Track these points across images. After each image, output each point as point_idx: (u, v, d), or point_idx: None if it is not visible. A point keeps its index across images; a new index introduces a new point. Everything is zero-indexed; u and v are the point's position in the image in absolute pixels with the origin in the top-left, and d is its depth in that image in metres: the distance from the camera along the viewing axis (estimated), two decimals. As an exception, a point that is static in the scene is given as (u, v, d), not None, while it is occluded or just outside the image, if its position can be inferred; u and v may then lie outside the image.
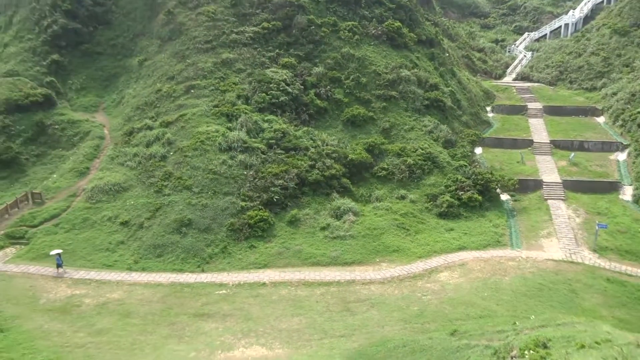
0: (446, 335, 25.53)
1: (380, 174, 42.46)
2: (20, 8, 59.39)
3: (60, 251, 34.28)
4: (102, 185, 40.52)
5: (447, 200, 40.08)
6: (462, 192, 40.73)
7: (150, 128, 44.97)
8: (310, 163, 41.18)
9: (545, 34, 79.23)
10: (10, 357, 24.51)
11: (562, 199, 42.00)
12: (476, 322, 27.13)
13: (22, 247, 36.82)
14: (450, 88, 53.80)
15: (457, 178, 42.16)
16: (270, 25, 51.41)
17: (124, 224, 37.52)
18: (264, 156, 41.42)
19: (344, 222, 37.29)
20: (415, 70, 51.41)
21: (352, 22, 52.70)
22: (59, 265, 33.55)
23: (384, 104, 47.95)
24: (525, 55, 74.61)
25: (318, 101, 46.67)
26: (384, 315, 28.44)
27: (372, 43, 52.31)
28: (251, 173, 39.92)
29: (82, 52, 56.19)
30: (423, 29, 58.38)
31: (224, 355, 25.30)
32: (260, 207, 37.64)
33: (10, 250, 36.61)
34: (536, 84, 66.45)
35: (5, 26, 59.92)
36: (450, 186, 41.60)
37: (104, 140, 47.54)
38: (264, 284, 31.89)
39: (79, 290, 31.53)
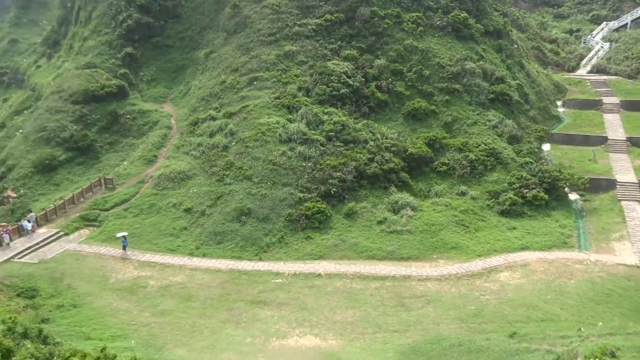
0: (504, 337, 24.84)
1: (441, 169, 41.63)
2: (99, 4, 62.64)
3: (125, 234, 36.19)
4: (168, 173, 42.24)
5: (510, 197, 38.73)
6: (527, 190, 39.22)
7: (214, 119, 46.32)
8: (369, 156, 41.02)
9: (626, 24, 74.46)
10: (82, 331, 26.17)
11: (637, 201, 39.54)
12: (537, 326, 26.17)
13: (95, 229, 39.07)
14: (517, 81, 51.77)
15: (521, 175, 40.63)
16: (333, 17, 51.42)
17: (188, 210, 38.99)
18: (322, 148, 41.67)
19: (402, 217, 36.93)
20: (481, 62, 49.85)
21: (416, 13, 51.72)
22: (124, 247, 35.48)
23: (447, 97, 46.87)
24: (602, 46, 70.49)
25: (379, 94, 46.30)
26: (439, 313, 27.99)
27: (436, 35, 51.17)
28: (310, 165, 40.30)
29: (153, 45, 58.62)
30: (491, 19, 56.44)
31: (278, 342, 25.80)
32: (317, 198, 37.97)
33: (85, 232, 38.97)
34: (613, 76, 62.64)
35: (85, 21, 63.47)
36: (514, 183, 40.16)
37: (171, 130, 49.49)
38: (319, 275, 32.21)
39: (144, 272, 33.13)
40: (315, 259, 34.22)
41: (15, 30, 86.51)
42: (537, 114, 51.22)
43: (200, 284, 31.64)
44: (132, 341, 25.01)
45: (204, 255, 35.20)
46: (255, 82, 47.91)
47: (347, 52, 49.19)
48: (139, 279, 32.32)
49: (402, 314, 28.07)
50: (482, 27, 53.78)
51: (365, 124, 44.13)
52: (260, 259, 34.45)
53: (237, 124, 44.53)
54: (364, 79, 47.21)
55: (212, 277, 32.44)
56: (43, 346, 18.50)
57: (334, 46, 50.13)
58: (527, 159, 42.62)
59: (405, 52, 49.11)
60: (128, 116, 51.33)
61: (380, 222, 36.85)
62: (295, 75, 47.64)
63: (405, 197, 38.55)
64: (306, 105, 44.56)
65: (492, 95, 47.85)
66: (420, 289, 30.43)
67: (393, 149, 41.85)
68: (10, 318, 22.88)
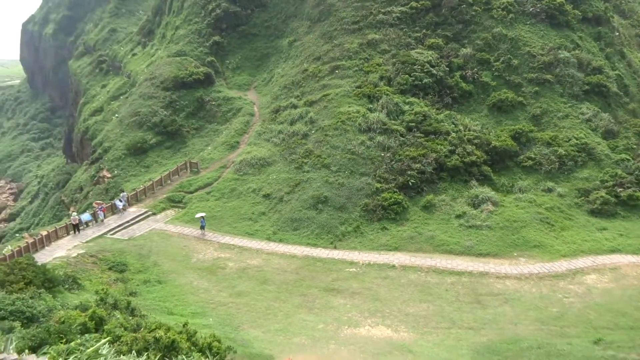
0: (588, 343, 23.38)
1: (526, 163, 39.66)
2: (190, -7, 65.40)
3: (204, 214, 37.78)
4: (249, 159, 43.53)
5: (601, 196, 36.20)
6: (621, 189, 36.46)
7: (295, 107, 47.02)
8: (449, 148, 39.90)
9: None
10: (165, 306, 27.71)
11: None
12: (626, 333, 24.38)
13: (180, 210, 41.15)
14: (617, 72, 47.97)
15: (616, 173, 37.82)
16: (418, 5, 50.25)
17: (266, 196, 40.02)
18: (402, 139, 41.05)
19: (482, 212, 35.67)
20: (576, 51, 46.68)
21: (507, 0, 49.28)
22: (202, 227, 37.11)
23: (536, 88, 44.41)
24: None
25: (463, 84, 44.79)
26: (518, 313, 26.82)
27: (527, 22, 48.51)
28: (388, 155, 39.88)
29: (240, 34, 60.34)
30: (590, 4, 52.55)
31: (350, 331, 25.92)
32: (395, 189, 37.55)
33: (170, 212, 41.16)
34: None
35: (177, 10, 66.51)
36: (607, 181, 37.48)
37: (253, 117, 50.86)
38: (393, 266, 31.93)
39: (224, 254, 34.48)
40: (390, 250, 33.95)
41: (114, 20, 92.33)
42: (637, 107, 47.30)
43: (275, 269, 32.43)
44: (211, 319, 26.14)
45: (280, 241, 36.01)
46: (336, 71, 48.00)
47: (432, 40, 47.93)
48: (218, 260, 33.68)
49: (478, 311, 27.20)
50: (579, 14, 50.27)
51: (447, 115, 42.93)
52: (335, 247, 34.70)
53: (317, 113, 44.93)
54: (448, 69, 45.85)
55: (288, 263, 33.13)
56: (131, 317, 19.78)
57: (419, 34, 49.04)
58: (624, 156, 39.58)
59: (494, 41, 47.04)
60: (213, 103, 53.36)
61: (458, 216, 35.84)
62: (377, 64, 47.18)
63: (486, 191, 37.17)
64: (387, 94, 44.04)
65: (587, 87, 44.76)
66: (498, 287, 29.30)
67: (476, 141, 40.41)
68: (102, 290, 24.70)
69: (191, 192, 42.81)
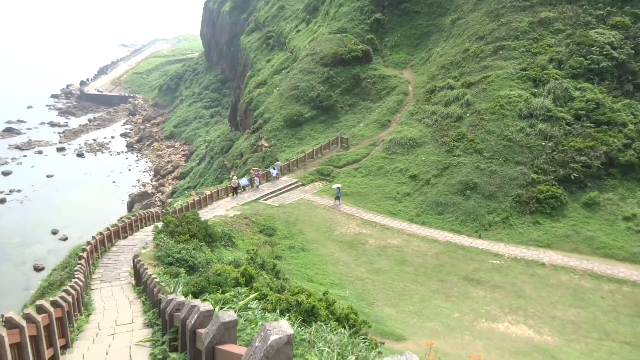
0: None
1: None
2: (355, -30, 65.97)
3: (340, 185, 38.96)
4: (399, 138, 43.32)
5: None
6: None
7: (451, 88, 45.45)
8: (624, 142, 35.47)
9: None
10: (306, 273, 29.22)
11: None
12: None
13: (327, 183, 42.65)
14: None
15: None
16: (603, -21, 44.85)
17: (413, 177, 39.62)
18: (568, 128, 37.52)
19: (658, 217, 31.38)
20: None
21: None
22: (337, 198, 38.17)
23: None
24: None
25: (650, 70, 39.28)
26: (691, 337, 23.40)
27: None
28: (550, 145, 36.79)
29: (401, 11, 59.61)
30: None
31: (487, 324, 24.91)
32: (553, 182, 34.64)
33: (318, 184, 42.88)
34: None
35: (342, -13, 67.67)
36: None
37: (407, 96, 50.32)
38: (542, 264, 29.73)
39: (365, 230, 35.11)
40: (540, 246, 31.63)
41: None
42: None
43: (415, 251, 32.21)
44: (347, 291, 26.97)
45: (422, 224, 35.57)
46: (500, 52, 45.22)
47: (617, 19, 42.60)
48: (359, 236, 34.40)
49: (639, 326, 24.29)
50: None
51: (625, 104, 38.10)
52: (480, 237, 33.30)
53: (474, 95, 42.95)
54: (633, 52, 40.49)
55: (428, 246, 32.67)
56: (275, 279, 21.25)
57: (601, 12, 43.92)
58: None
59: (696, 20, 40.38)
60: (369, 80, 53.80)
61: (627, 219, 31.96)
62: (547, 45, 43.41)
63: (666, 194, 32.58)
64: (555, 78, 40.42)
65: None
66: (668, 305, 25.77)
67: (659, 136, 35.42)
68: (253, 250, 26.77)
69: (339, 167, 44.03)
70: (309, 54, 58.95)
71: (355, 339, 8.96)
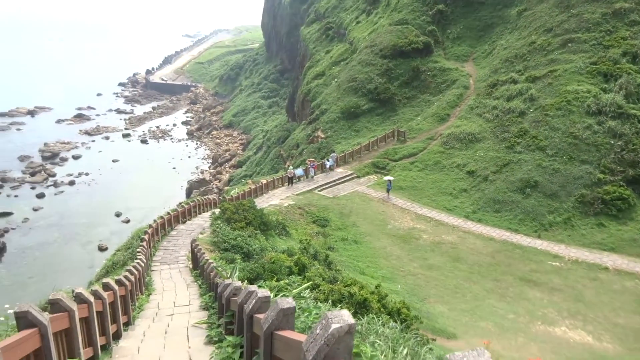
0: None
1: None
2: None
3: (392, 178, 38.83)
4: (457, 133, 42.38)
5: None
6: None
7: (514, 82, 43.92)
8: None
9: None
10: (358, 266, 29.25)
11: None
12: None
13: (382, 176, 42.34)
14: None
15: None
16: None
17: (470, 173, 38.70)
18: (640, 126, 35.50)
19: None
20: None
21: None
22: (388, 190, 38.01)
23: None
24: None
25: None
26: None
27: None
28: (619, 143, 34.89)
29: (465, 2, 58.00)
30: None
31: (543, 327, 24.10)
32: (621, 183, 32.89)
33: (373, 177, 42.65)
34: None
35: (403, -23, 66.54)
36: None
37: (467, 90, 49.06)
38: (605, 268, 28.37)
39: (419, 225, 34.67)
40: (604, 249, 30.17)
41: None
42: None
43: (470, 248, 31.52)
44: (399, 286, 26.78)
45: (479, 221, 34.74)
46: (569, 44, 43.20)
47: (699, 11, 39.76)
48: (413, 230, 34.02)
49: None
50: None
51: None
52: (539, 237, 32.15)
53: (539, 90, 41.31)
54: None
55: (484, 244, 31.89)
56: (328, 270, 21.41)
57: (682, 4, 41.10)
58: None
59: None
60: (428, 73, 52.82)
61: (703, 226, 29.97)
62: (621, 38, 41.09)
63: None
64: (629, 73, 38.22)
65: None
66: None
67: None
68: (306, 240, 27.06)
69: (395, 160, 43.61)
70: (368, 45, 58.50)
71: (406, 333, 8.91)
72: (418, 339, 8.41)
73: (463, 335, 22.23)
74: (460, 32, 56.62)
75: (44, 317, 4.82)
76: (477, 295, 26.71)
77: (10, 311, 4.86)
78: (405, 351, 6.31)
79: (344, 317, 2.56)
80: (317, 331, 2.60)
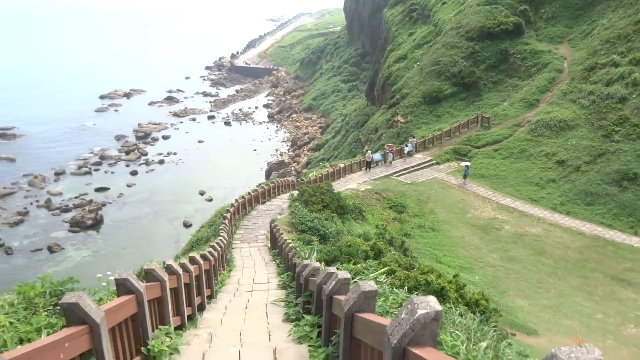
0: None
1: None
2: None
3: (469, 164, 37.85)
4: (547, 119, 40.14)
5: None
6: None
7: (615, 65, 40.75)
8: None
9: None
10: (435, 254, 28.72)
11: None
12: None
13: (461, 163, 41.09)
14: None
15: None
16: None
17: (560, 162, 36.61)
18: None
19: None
20: None
21: None
22: (465, 176, 37.02)
23: None
24: None
25: None
26: None
27: None
28: None
29: (562, -21, 54.39)
30: None
31: (635, 330, 22.53)
32: None
33: (453, 164, 41.47)
34: None
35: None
36: None
37: (560, 74, 46.19)
38: None
39: (501, 216, 33.39)
40: None
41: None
42: None
43: (556, 242, 29.96)
44: (477, 277, 26.04)
45: (567, 213, 32.88)
46: (679, 25, 39.40)
47: None
48: (494, 221, 32.84)
49: None
50: None
51: None
52: (636, 233, 29.93)
53: (643, 74, 38.09)
54: None
55: (572, 239, 30.18)
56: (403, 256, 21.21)
57: None
58: None
59: None
60: (518, 56, 50.22)
61: None
62: None
63: None
64: None
65: None
66: None
67: None
68: (382, 225, 26.94)
69: (478, 147, 42.13)
70: (453, 27, 56.50)
71: (485, 326, 8.66)
72: (497, 332, 8.15)
73: (545, 332, 21.30)
74: (556, 11, 53.18)
75: (141, 285, 5.16)
76: (561, 292, 25.43)
77: (112, 278, 5.25)
78: (484, 344, 6.14)
79: (430, 303, 2.52)
80: (403, 315, 2.58)
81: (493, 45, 51.77)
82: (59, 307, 4.66)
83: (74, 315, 3.85)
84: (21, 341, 4.01)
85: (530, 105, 44.18)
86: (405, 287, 10.00)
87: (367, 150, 45.80)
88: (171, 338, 5.86)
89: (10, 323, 4.17)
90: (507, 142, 41.13)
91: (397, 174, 39.70)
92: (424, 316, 2.47)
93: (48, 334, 4.04)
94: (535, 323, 21.92)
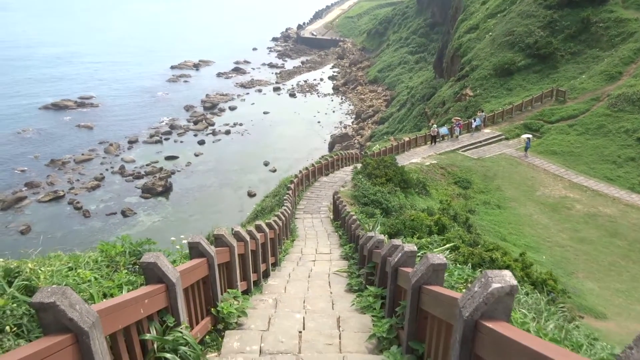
0: None
1: None
2: None
3: (530, 136, 36.99)
4: (630, 93, 37.59)
5: None
6: None
7: None
8: None
9: None
10: (500, 232, 28.00)
11: None
12: None
13: (535, 139, 39.36)
14: None
15: None
16: None
17: (642, 140, 34.36)
18: None
19: None
20: None
21: None
22: (526, 149, 35.96)
23: None
24: None
25: None
26: None
27: None
28: None
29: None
30: None
31: None
32: None
33: (524, 139, 39.75)
34: None
35: None
36: None
37: (647, 45, 42.85)
38: None
39: (572, 194, 31.92)
40: None
41: None
42: None
43: (632, 224, 28.37)
44: (544, 257, 25.21)
45: (646, 194, 30.98)
46: None
47: None
48: (565, 199, 31.46)
49: None
50: None
51: None
52: None
53: None
54: None
55: (650, 221, 28.47)
56: (467, 233, 20.83)
57: None
58: None
59: None
60: (601, 25, 46.93)
61: None
62: None
63: None
64: None
65: None
66: None
67: None
68: (446, 200, 26.50)
69: (551, 122, 40.17)
70: (531, -5, 53.49)
71: (552, 306, 8.43)
72: (565, 314, 7.91)
73: (615, 316, 20.43)
74: (645, -24, 49.02)
75: (212, 249, 5.41)
76: (635, 276, 24.21)
77: (184, 241, 5.52)
78: (552, 325, 6.01)
79: (505, 277, 2.49)
80: (475, 289, 2.57)
81: (574, 13, 48.61)
82: (137, 266, 4.97)
83: (152, 274, 4.11)
84: (104, 296, 4.31)
85: (611, 78, 41.42)
86: (469, 264, 9.87)
87: (432, 124, 44.80)
88: (239, 301, 6.12)
89: (95, 279, 4.48)
90: (584, 117, 38.93)
91: (463, 149, 38.70)
92: (498, 290, 2.45)
93: (128, 291, 4.32)
94: (604, 307, 21.06)
